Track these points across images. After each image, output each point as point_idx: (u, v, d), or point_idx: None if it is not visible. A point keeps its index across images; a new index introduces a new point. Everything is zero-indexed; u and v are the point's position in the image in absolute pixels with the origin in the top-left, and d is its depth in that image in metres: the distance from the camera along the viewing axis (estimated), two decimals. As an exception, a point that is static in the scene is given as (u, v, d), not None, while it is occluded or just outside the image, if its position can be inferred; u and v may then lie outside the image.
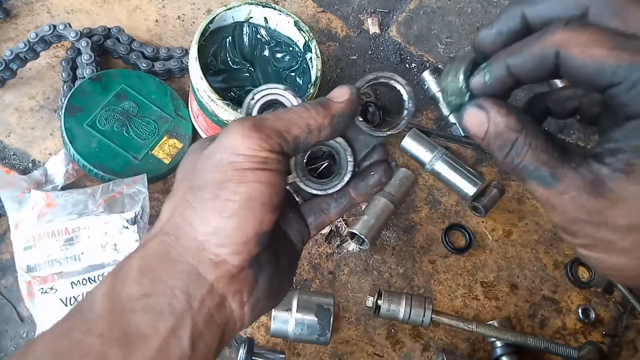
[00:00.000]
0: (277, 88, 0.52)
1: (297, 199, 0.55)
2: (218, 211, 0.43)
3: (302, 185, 0.52)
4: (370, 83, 0.54)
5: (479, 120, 0.43)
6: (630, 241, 0.39)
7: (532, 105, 0.50)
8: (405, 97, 0.54)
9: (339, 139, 0.53)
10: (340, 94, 0.49)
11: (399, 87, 0.54)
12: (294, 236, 0.54)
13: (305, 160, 0.54)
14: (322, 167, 0.54)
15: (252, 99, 0.52)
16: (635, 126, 0.38)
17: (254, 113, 0.52)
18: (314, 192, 0.52)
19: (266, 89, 0.52)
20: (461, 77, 0.44)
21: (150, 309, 0.42)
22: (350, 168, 0.52)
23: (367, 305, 0.95)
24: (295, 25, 0.99)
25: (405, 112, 0.54)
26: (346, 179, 0.52)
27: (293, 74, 1.03)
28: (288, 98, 0.52)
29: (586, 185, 0.39)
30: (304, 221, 0.55)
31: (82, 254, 0.90)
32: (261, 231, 0.44)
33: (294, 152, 0.47)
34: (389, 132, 0.52)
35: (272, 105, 0.52)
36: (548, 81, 0.41)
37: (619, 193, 0.38)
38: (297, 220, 0.54)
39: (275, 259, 0.49)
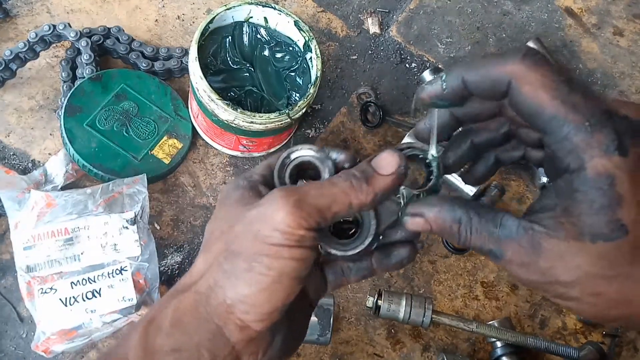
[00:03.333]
0: (311, 149, 0.51)
1: (321, 252, 0.53)
2: (249, 283, 0.45)
3: (322, 244, 0.51)
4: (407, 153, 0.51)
5: (420, 225, 0.47)
6: (578, 291, 0.41)
7: (477, 162, 0.54)
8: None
9: None
10: (388, 164, 0.46)
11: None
12: (312, 292, 0.54)
13: None
14: (345, 228, 0.53)
15: (288, 157, 0.51)
16: (564, 184, 0.41)
17: (288, 172, 0.51)
18: (333, 251, 0.50)
19: (301, 149, 0.51)
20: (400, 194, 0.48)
21: None
22: (372, 231, 0.50)
23: (367, 305, 0.95)
24: (295, 25, 0.99)
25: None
26: (367, 242, 0.50)
27: (293, 73, 1.03)
28: (323, 164, 0.50)
29: (527, 250, 0.42)
30: (325, 278, 0.55)
31: (81, 254, 0.90)
32: (287, 302, 0.46)
33: (329, 224, 0.47)
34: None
35: (304, 165, 0.52)
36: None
37: (553, 252, 0.41)
38: (318, 277, 0.55)
39: (291, 317, 0.50)
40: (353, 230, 0.52)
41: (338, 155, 0.51)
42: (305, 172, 0.52)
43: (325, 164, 0.50)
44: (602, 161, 0.39)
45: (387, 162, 0.46)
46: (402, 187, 0.48)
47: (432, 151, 0.49)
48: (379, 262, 0.53)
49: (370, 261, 0.53)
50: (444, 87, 0.46)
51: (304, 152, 0.51)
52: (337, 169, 0.50)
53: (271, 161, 0.52)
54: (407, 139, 1.10)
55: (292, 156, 0.51)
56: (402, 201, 0.48)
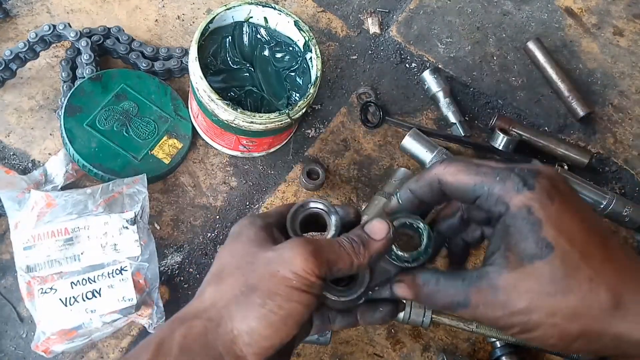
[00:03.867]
0: (323, 204, 0.59)
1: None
2: (259, 317, 0.49)
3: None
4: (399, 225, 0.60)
5: (406, 292, 0.56)
6: (537, 316, 0.47)
7: (451, 248, 0.64)
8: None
9: None
10: (380, 230, 0.54)
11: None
12: (298, 334, 0.58)
13: None
14: (340, 278, 0.58)
15: (301, 207, 0.59)
16: (501, 226, 0.50)
17: (299, 220, 0.58)
18: (329, 295, 0.56)
19: (312, 202, 0.59)
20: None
21: None
22: (365, 285, 0.57)
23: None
24: (295, 25, 0.99)
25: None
26: (359, 292, 0.57)
27: (293, 73, 1.03)
28: (330, 217, 0.58)
29: (486, 291, 0.49)
30: (311, 322, 0.61)
31: (81, 254, 0.90)
32: (284, 342, 0.50)
33: (332, 278, 0.54)
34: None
35: (313, 217, 0.59)
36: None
37: (507, 284, 0.48)
38: (307, 321, 0.58)
39: (278, 354, 0.53)
40: (346, 283, 0.58)
41: (343, 211, 0.59)
42: (314, 223, 0.60)
43: (332, 217, 0.58)
44: (518, 197, 0.49)
45: (378, 229, 0.55)
46: (397, 249, 0.57)
47: (422, 226, 0.58)
48: (363, 315, 0.60)
49: (355, 315, 0.60)
50: (400, 202, 0.59)
51: (315, 205, 0.59)
52: (342, 222, 0.58)
53: (283, 209, 0.59)
54: (407, 139, 1.10)
55: (305, 207, 0.59)
56: (395, 262, 0.57)
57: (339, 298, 0.57)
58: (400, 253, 0.57)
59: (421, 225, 0.58)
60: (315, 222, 0.60)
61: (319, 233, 0.61)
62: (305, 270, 0.49)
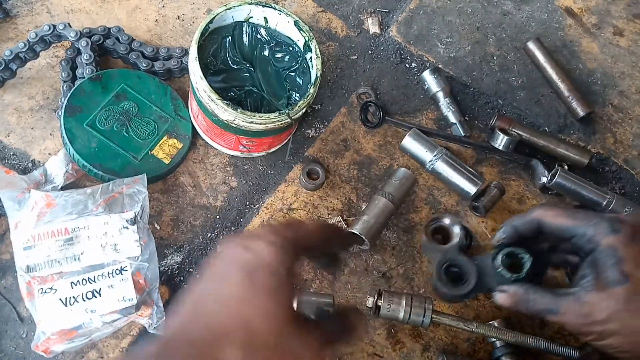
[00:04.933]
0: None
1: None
2: None
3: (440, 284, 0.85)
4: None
5: (506, 299, 0.75)
6: (614, 325, 0.66)
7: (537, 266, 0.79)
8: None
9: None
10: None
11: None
12: None
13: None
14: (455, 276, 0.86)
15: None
16: (591, 259, 0.70)
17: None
18: (442, 288, 0.85)
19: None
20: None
21: None
22: (469, 289, 0.82)
23: (367, 305, 0.95)
24: (295, 25, 0.99)
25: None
26: (464, 292, 0.82)
27: (293, 73, 1.03)
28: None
29: (574, 304, 0.69)
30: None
31: (81, 254, 0.90)
32: None
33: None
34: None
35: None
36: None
37: (590, 301, 0.68)
38: None
39: None
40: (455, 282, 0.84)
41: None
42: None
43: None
44: (607, 239, 0.69)
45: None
46: (504, 271, 0.78)
47: (524, 253, 0.78)
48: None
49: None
50: (503, 236, 0.77)
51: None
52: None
53: (313, 229, 0.63)
54: (407, 139, 1.10)
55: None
56: (498, 278, 0.79)
57: (449, 291, 0.83)
58: (505, 273, 0.78)
59: (526, 256, 0.78)
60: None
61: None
62: None
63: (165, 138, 1.04)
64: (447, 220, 1.05)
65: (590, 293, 0.67)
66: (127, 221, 0.92)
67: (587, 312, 0.67)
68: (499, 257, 0.87)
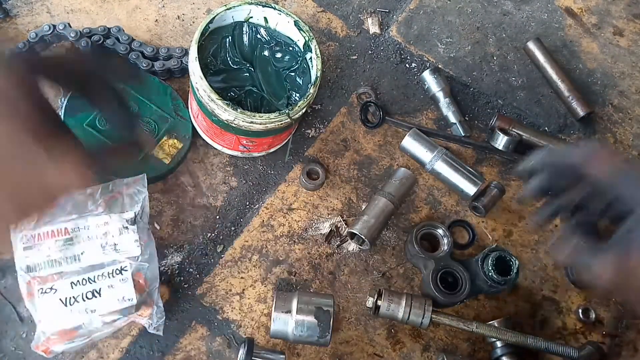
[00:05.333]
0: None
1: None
2: None
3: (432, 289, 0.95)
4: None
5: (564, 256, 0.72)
6: None
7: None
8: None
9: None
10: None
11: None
12: None
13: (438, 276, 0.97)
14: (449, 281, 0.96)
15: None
16: (629, 222, 0.67)
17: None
18: (437, 295, 0.95)
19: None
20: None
21: None
22: (463, 296, 0.94)
23: (367, 305, 0.95)
24: (295, 25, 0.99)
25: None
26: (459, 298, 0.95)
27: (293, 73, 1.03)
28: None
29: (614, 257, 0.67)
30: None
31: (81, 254, 0.90)
32: None
33: None
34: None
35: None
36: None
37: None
38: None
39: None
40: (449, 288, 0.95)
41: None
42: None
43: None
44: None
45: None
46: (494, 274, 0.91)
47: (513, 259, 0.92)
48: None
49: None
50: (534, 165, 0.74)
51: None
52: None
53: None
54: (407, 139, 1.10)
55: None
56: (489, 282, 0.92)
57: (444, 298, 0.93)
58: (496, 277, 0.90)
59: (513, 260, 0.91)
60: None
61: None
62: None
63: (165, 138, 1.04)
64: (440, 231, 1.03)
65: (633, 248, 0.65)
66: (127, 221, 0.92)
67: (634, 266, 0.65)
68: (489, 262, 0.92)
